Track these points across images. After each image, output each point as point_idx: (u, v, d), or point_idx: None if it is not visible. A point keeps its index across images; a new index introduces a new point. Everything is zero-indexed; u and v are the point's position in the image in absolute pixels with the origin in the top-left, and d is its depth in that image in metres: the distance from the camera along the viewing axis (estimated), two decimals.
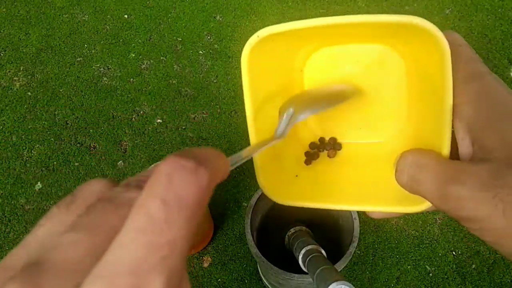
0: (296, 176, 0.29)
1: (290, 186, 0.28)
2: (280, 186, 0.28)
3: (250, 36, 0.24)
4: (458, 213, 0.19)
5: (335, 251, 0.47)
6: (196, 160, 0.14)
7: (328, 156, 0.31)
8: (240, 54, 0.25)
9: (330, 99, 0.27)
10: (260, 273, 0.61)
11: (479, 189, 0.19)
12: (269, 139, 0.24)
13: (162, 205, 0.12)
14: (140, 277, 0.11)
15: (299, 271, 0.41)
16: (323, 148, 0.31)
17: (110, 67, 0.89)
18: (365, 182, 0.28)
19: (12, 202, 0.72)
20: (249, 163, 0.26)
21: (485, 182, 0.19)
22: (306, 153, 0.31)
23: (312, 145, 0.31)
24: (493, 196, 0.18)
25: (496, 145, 0.20)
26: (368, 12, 0.96)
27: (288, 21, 0.23)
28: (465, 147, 0.21)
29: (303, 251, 0.39)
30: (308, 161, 0.30)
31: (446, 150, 0.22)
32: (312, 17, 0.22)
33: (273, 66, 0.28)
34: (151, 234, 0.11)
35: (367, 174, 0.29)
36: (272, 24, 0.22)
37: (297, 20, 0.23)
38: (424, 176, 0.21)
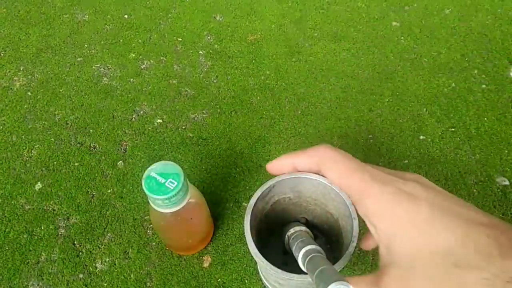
0: None
1: None
2: None
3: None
4: None
5: (335, 251, 0.47)
6: None
7: None
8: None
9: None
10: (260, 273, 0.61)
11: None
12: None
13: None
14: None
15: (299, 271, 0.41)
16: None
17: (110, 67, 0.89)
18: None
19: (12, 202, 0.72)
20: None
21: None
22: None
23: None
24: None
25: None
26: (367, 13, 0.96)
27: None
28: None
29: (302, 251, 0.39)
30: None
31: None
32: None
33: None
34: None
35: None
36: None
37: None
38: None
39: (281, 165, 0.34)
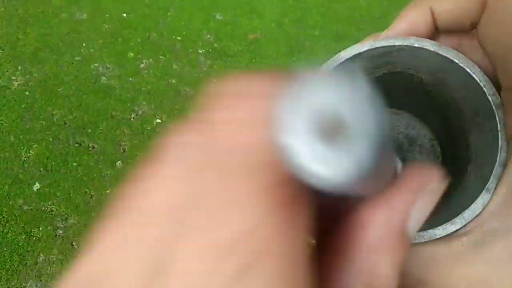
0: None
1: None
2: None
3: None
4: None
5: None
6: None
7: None
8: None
9: None
10: None
11: None
12: None
13: None
14: None
15: None
16: None
17: (108, 66, 0.88)
18: None
19: (10, 203, 0.72)
20: None
21: None
22: None
23: None
24: None
25: None
26: (368, 11, 0.95)
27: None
28: None
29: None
30: None
31: None
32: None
33: None
34: None
35: None
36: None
37: None
38: None
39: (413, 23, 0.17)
